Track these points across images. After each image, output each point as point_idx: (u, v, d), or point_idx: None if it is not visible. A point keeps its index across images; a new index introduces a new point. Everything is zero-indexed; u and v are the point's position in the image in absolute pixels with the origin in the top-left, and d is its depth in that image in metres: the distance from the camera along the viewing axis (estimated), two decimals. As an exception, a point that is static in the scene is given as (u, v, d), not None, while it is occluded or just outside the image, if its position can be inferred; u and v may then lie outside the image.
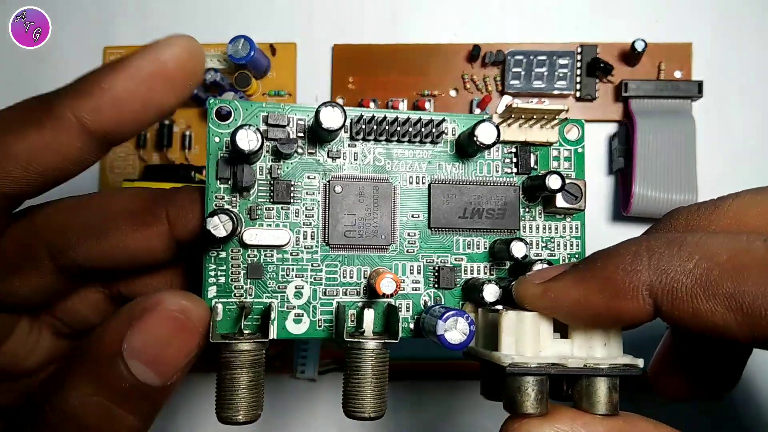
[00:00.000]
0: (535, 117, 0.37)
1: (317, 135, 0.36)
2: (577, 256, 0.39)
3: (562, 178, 0.36)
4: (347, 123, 0.36)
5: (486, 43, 0.60)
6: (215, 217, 0.32)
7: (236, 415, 0.32)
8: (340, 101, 0.60)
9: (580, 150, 0.40)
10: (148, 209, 0.36)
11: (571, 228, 0.39)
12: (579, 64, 0.60)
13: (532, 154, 0.39)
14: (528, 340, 0.32)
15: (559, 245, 0.39)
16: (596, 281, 0.30)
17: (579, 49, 0.60)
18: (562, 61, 0.60)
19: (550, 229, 0.39)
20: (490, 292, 0.35)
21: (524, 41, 0.61)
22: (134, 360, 0.29)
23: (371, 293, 0.36)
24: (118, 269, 0.36)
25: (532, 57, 0.60)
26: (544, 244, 0.39)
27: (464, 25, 0.62)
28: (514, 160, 0.39)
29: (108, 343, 0.29)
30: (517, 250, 0.35)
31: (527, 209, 0.39)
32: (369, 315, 0.35)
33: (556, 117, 0.37)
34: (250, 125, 0.33)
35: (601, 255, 0.30)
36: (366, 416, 0.33)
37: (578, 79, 0.61)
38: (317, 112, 0.34)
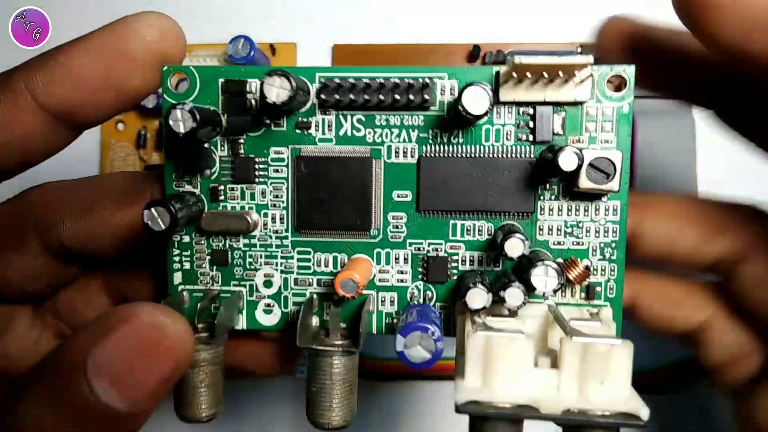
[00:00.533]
0: (545, 74, 0.28)
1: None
2: (613, 245, 0.31)
3: (579, 155, 0.27)
4: (313, 91, 0.31)
5: (486, 43, 0.56)
6: (150, 210, 0.29)
7: (193, 413, 0.31)
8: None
9: (625, 108, 0.30)
10: (135, 188, 0.34)
11: (606, 210, 0.31)
12: None
13: (556, 116, 0.30)
14: (499, 369, 0.26)
15: (588, 231, 0.31)
16: None
17: (579, 49, 0.56)
18: None
19: (577, 210, 0.31)
20: (474, 299, 0.29)
21: (524, 41, 0.57)
22: (98, 377, 0.24)
23: (344, 287, 0.31)
24: (106, 253, 0.34)
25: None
26: (568, 231, 0.31)
27: (464, 25, 0.58)
28: (531, 124, 0.30)
29: (72, 355, 0.25)
30: (512, 248, 0.28)
31: (546, 186, 0.31)
32: (334, 314, 0.31)
33: (576, 73, 0.28)
34: (184, 103, 0.28)
35: None
36: (327, 426, 0.30)
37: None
38: (261, 85, 0.28)
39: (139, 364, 0.25)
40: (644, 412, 0.25)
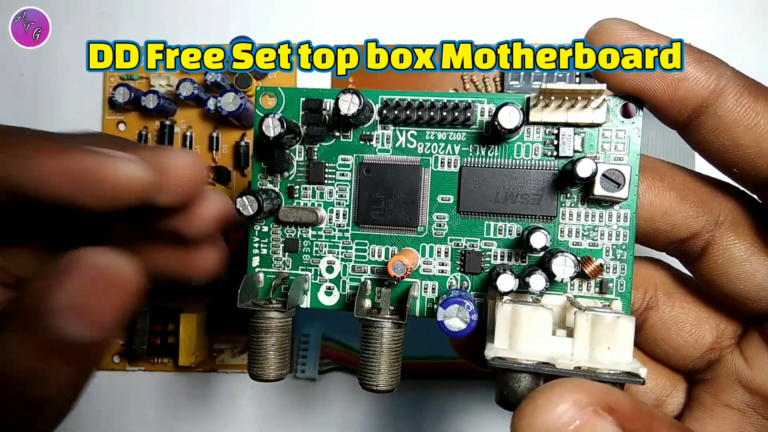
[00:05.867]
0: (567, 98, 0.34)
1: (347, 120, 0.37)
2: (623, 247, 0.36)
3: (594, 164, 0.33)
4: (375, 108, 0.37)
5: (485, 44, 0.58)
6: (242, 198, 0.36)
7: (263, 373, 0.37)
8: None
9: (634, 132, 0.36)
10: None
11: (618, 217, 0.36)
12: None
13: (577, 136, 0.36)
14: (523, 335, 0.31)
15: (602, 234, 0.36)
16: None
17: None
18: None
19: (593, 217, 0.36)
20: (504, 282, 0.34)
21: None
22: (64, 316, 0.27)
23: (394, 273, 0.37)
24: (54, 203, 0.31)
25: None
26: (585, 233, 0.37)
27: (464, 25, 0.61)
28: (555, 142, 0.37)
29: (34, 299, 0.27)
30: (536, 240, 0.34)
31: (567, 195, 0.37)
32: (385, 293, 0.37)
33: (593, 97, 0.34)
34: (275, 113, 0.36)
35: None
36: (375, 389, 0.36)
37: (578, 79, 0.59)
38: (336, 100, 0.35)
39: (96, 301, 0.28)
40: (643, 371, 0.29)
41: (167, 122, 0.62)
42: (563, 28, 0.60)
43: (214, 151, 0.61)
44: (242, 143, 0.62)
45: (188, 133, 0.62)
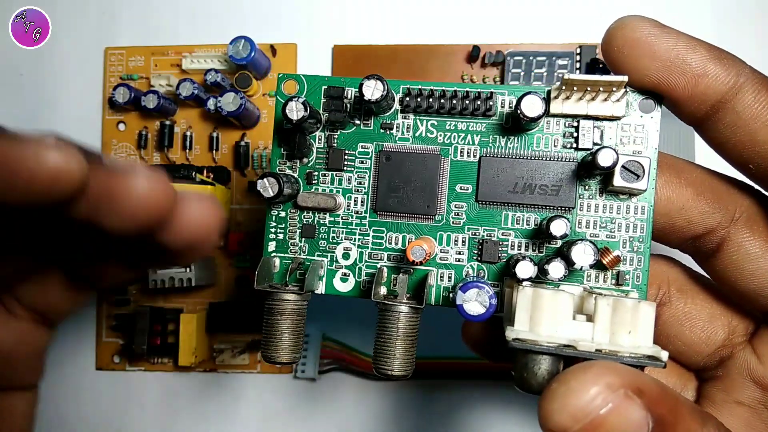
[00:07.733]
0: (589, 89, 0.35)
1: (369, 107, 0.38)
2: (641, 240, 0.36)
3: (616, 153, 0.34)
4: (397, 98, 0.38)
5: (485, 44, 0.60)
6: (263, 180, 0.36)
7: (276, 355, 0.36)
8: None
9: (653, 126, 0.36)
10: None
11: (635, 209, 0.36)
12: (578, 65, 0.59)
13: (596, 129, 0.37)
14: (544, 318, 0.31)
15: (620, 227, 0.37)
16: None
17: (578, 50, 0.59)
18: (561, 62, 0.59)
19: (611, 209, 0.37)
20: (523, 269, 0.34)
21: (523, 42, 0.60)
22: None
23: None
24: None
25: (531, 57, 0.60)
26: (603, 225, 0.37)
27: (464, 25, 0.61)
28: (575, 134, 0.37)
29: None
30: (557, 228, 0.34)
31: (586, 187, 0.37)
32: (402, 280, 0.37)
33: (614, 89, 0.35)
34: (298, 97, 0.36)
35: None
36: (390, 373, 0.35)
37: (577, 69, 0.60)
38: (360, 86, 0.36)
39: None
40: (664, 354, 0.29)
41: (167, 122, 0.62)
42: (565, 29, 0.60)
43: (214, 151, 0.61)
44: (242, 143, 0.62)
45: (188, 133, 0.62)
